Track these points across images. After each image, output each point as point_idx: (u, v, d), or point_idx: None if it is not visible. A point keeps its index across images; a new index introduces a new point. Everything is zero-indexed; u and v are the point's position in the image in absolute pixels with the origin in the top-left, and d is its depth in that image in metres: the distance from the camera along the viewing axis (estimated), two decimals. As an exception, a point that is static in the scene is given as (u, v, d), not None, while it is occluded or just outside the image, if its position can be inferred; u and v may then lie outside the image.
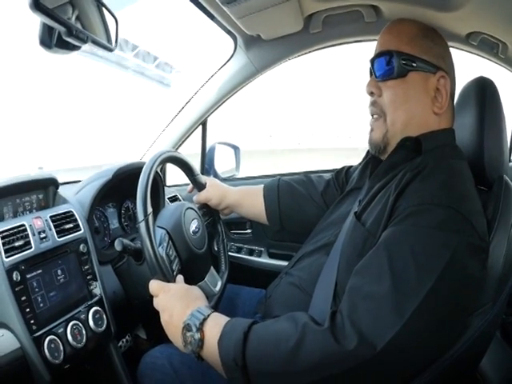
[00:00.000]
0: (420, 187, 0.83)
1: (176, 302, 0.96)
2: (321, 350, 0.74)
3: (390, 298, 0.73)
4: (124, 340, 1.51)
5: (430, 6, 1.14)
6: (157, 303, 0.99)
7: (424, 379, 0.78)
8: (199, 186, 1.42)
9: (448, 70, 0.97)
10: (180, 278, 1.06)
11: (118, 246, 1.10)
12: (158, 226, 1.17)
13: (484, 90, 1.00)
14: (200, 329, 0.87)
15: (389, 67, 0.96)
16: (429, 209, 0.78)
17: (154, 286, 1.01)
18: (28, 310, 1.05)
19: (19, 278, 1.05)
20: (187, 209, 1.26)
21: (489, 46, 1.29)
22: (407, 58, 0.94)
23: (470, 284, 0.77)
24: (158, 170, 1.51)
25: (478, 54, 1.39)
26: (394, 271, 0.75)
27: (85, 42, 0.90)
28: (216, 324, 0.87)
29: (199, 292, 1.02)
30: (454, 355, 0.80)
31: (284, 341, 0.78)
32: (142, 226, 1.03)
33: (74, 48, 0.92)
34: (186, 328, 0.88)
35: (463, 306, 0.78)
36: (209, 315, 0.89)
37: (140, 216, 1.04)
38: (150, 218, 1.05)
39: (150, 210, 1.05)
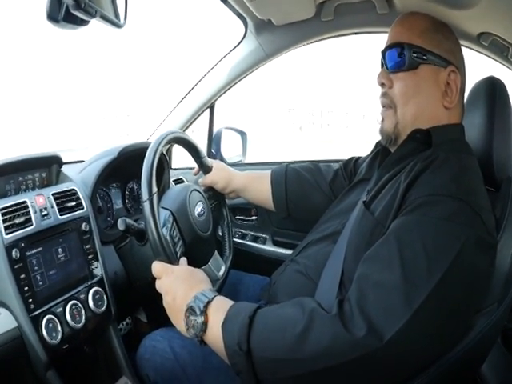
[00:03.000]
0: (431, 178, 0.81)
1: (180, 285, 0.91)
2: (329, 337, 0.70)
3: (399, 288, 0.70)
4: (124, 323, 1.48)
5: (443, 2, 1.10)
6: (159, 285, 0.95)
7: (425, 379, 0.76)
8: (205, 169, 1.38)
9: (458, 66, 0.95)
10: (183, 260, 1.02)
11: (120, 226, 1.05)
12: (163, 207, 1.12)
13: (494, 90, 0.98)
14: (204, 312, 0.82)
15: (400, 59, 0.94)
16: (440, 200, 0.76)
17: (157, 267, 0.97)
18: (26, 288, 1.02)
19: (19, 255, 1.02)
20: (193, 191, 1.22)
21: (499, 48, 1.26)
22: (418, 51, 0.92)
23: (477, 278, 0.75)
24: (164, 152, 1.47)
25: (488, 55, 1.36)
26: (404, 260, 0.72)
27: (93, 16, 0.84)
28: (220, 307, 0.83)
29: (203, 275, 0.98)
30: (456, 355, 0.77)
31: (291, 326, 0.74)
32: (146, 205, 0.98)
33: (82, 23, 0.86)
34: (190, 311, 0.84)
35: (471, 300, 0.75)
36: (213, 298, 0.85)
37: (144, 195, 0.99)
38: (155, 197, 1.00)
39: (154, 189, 1.01)
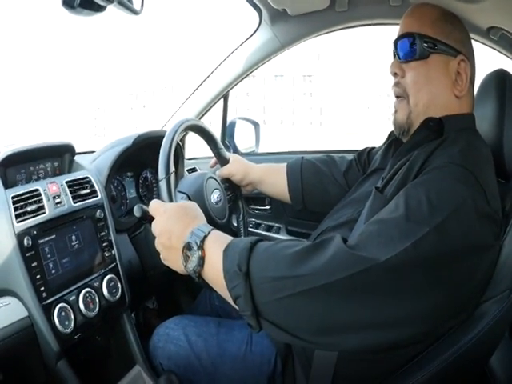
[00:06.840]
0: (440, 153, 0.82)
1: (174, 224, 0.86)
2: (331, 253, 0.70)
3: (401, 223, 0.71)
4: (133, 313, 1.43)
5: (454, -5, 1.06)
6: (153, 227, 0.90)
7: (434, 369, 0.74)
8: (222, 161, 1.31)
9: (468, 55, 0.93)
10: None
11: (137, 212, 1.00)
12: (179, 191, 1.08)
13: (504, 82, 0.95)
14: (201, 247, 0.79)
15: (411, 49, 0.93)
16: (446, 166, 0.77)
17: (153, 205, 0.92)
18: (38, 276, 0.97)
19: (31, 243, 0.97)
20: (209, 178, 1.16)
21: (508, 43, 1.21)
22: (429, 41, 0.91)
23: (477, 241, 0.72)
24: (179, 141, 1.41)
25: (497, 50, 1.31)
26: (408, 206, 0.73)
27: (111, 1, 0.78)
28: (217, 240, 0.81)
29: (197, 210, 0.93)
30: (467, 344, 0.74)
31: (292, 247, 0.74)
32: (163, 184, 0.93)
33: (99, 9, 0.80)
34: (187, 247, 0.81)
35: (469, 257, 0.71)
36: (209, 232, 0.81)
37: (161, 174, 0.94)
38: (172, 177, 0.95)
39: (172, 169, 0.95)
